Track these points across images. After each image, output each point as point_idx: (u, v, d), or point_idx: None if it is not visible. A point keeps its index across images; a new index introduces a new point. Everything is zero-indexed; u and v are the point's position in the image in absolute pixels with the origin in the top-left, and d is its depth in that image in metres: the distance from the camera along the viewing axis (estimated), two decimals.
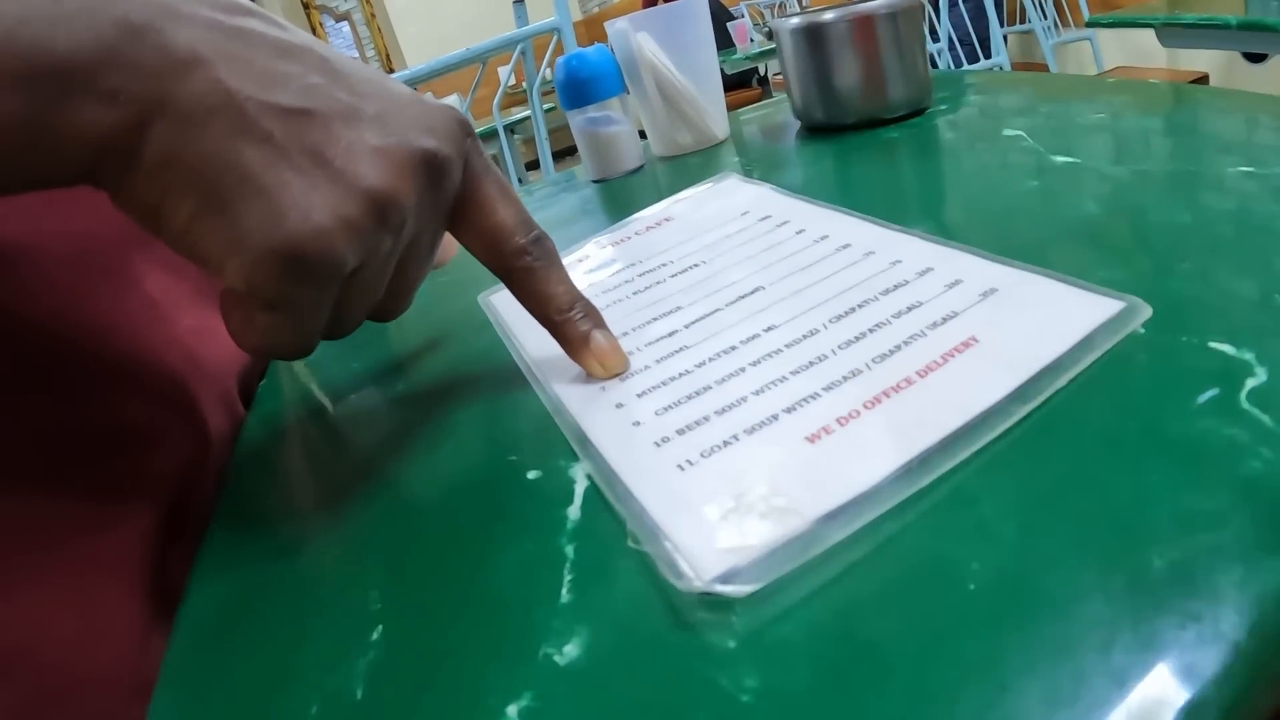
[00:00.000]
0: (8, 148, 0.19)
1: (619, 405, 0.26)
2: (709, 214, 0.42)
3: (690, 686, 0.16)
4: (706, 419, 0.23)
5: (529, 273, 0.28)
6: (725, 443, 0.22)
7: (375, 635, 0.20)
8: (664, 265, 0.37)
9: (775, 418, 0.22)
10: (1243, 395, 0.18)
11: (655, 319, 0.31)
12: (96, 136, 0.19)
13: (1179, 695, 0.13)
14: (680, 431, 0.23)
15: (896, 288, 0.27)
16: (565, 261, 0.30)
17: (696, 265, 0.36)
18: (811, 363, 0.24)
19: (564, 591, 0.19)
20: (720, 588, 0.17)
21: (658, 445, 0.23)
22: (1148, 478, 0.17)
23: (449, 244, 0.29)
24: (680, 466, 0.22)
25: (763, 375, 0.25)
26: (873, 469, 0.19)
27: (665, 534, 0.19)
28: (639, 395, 0.26)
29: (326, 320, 0.24)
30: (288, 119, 0.21)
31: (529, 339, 0.32)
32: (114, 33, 0.19)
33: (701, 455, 0.22)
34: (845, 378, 0.23)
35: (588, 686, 0.16)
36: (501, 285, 0.29)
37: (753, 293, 0.31)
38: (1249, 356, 0.19)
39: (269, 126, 0.21)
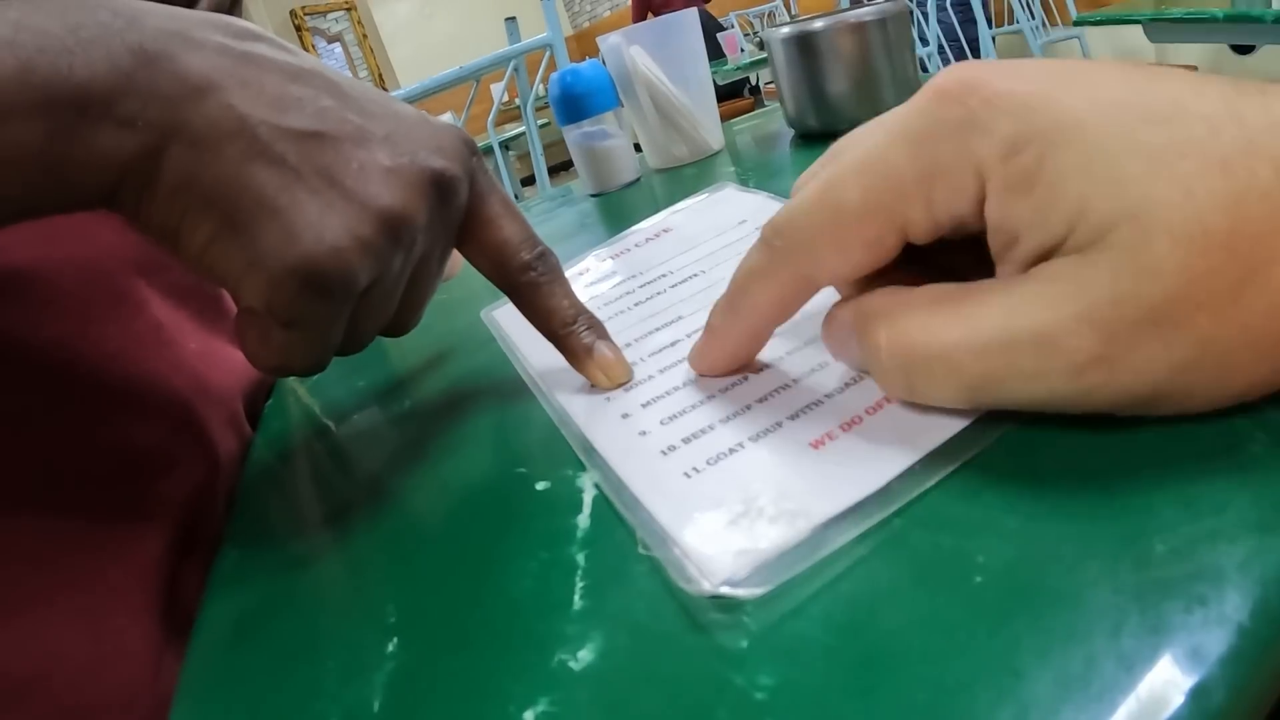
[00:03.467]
0: (30, 174, 0.19)
1: (625, 415, 0.26)
2: (707, 224, 0.42)
3: (705, 686, 0.16)
4: (711, 427, 0.24)
5: (534, 287, 0.28)
6: (731, 450, 0.22)
7: (391, 647, 0.20)
8: (664, 276, 0.37)
9: (779, 425, 0.23)
10: None
11: (658, 329, 0.32)
12: (116, 161, 0.20)
13: (1187, 677, 0.13)
14: (686, 440, 0.23)
15: None
16: (566, 275, 0.30)
17: (696, 275, 0.36)
18: (813, 369, 0.25)
19: (576, 598, 0.19)
20: (730, 590, 0.17)
21: (664, 454, 0.23)
22: (1148, 464, 0.17)
23: (454, 259, 0.30)
24: (687, 474, 0.22)
25: (765, 383, 0.25)
26: (877, 472, 0.19)
27: (674, 540, 0.19)
28: (644, 405, 0.26)
29: (341, 336, 0.25)
30: (300, 141, 0.22)
31: (533, 353, 0.32)
32: (130, 60, 0.20)
33: (708, 463, 0.22)
34: (846, 384, 0.23)
35: (603, 690, 0.17)
36: (504, 300, 0.29)
37: None
38: None
39: (282, 149, 0.21)
